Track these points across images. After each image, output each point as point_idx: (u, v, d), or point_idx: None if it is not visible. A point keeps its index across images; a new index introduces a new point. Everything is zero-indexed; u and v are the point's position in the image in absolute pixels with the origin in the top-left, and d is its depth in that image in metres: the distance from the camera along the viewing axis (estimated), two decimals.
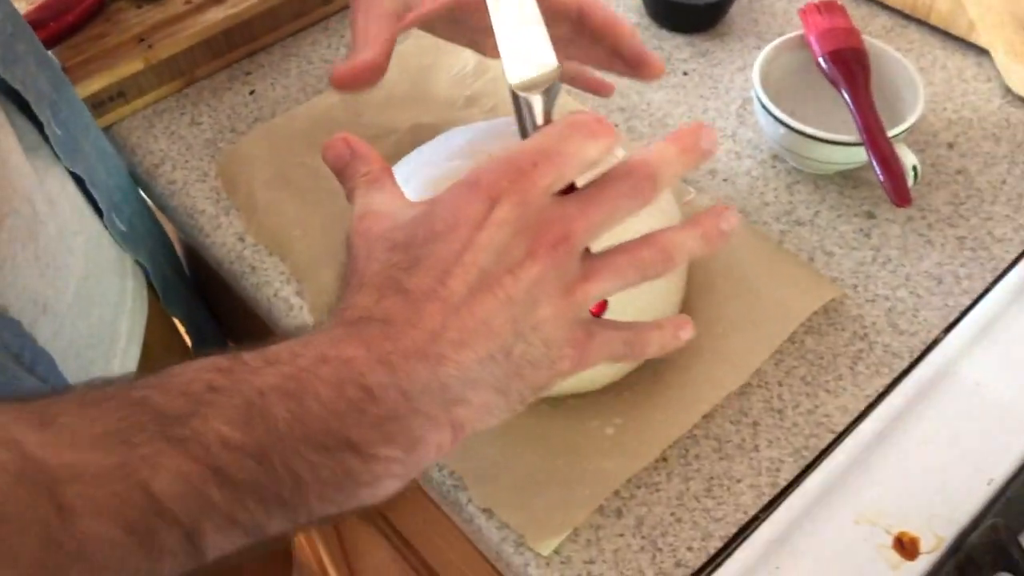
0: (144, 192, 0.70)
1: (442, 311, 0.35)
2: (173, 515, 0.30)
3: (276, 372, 0.33)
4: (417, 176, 0.58)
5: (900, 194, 0.59)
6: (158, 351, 0.66)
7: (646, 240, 0.40)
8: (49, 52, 0.68)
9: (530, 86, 0.39)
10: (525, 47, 0.40)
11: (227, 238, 0.64)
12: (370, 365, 0.34)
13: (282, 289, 0.61)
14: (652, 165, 0.39)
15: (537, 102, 0.39)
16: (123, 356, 0.61)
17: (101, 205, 0.60)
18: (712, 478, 0.52)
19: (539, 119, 0.40)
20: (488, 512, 0.50)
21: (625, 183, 0.38)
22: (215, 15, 0.73)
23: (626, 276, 0.39)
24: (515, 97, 0.40)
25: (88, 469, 0.30)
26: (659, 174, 0.39)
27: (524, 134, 0.40)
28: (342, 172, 0.42)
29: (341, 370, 0.33)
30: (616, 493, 0.51)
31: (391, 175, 0.42)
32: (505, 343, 0.36)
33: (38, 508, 0.29)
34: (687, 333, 0.44)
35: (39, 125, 0.55)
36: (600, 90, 0.63)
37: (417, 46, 0.75)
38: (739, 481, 0.51)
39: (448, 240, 0.36)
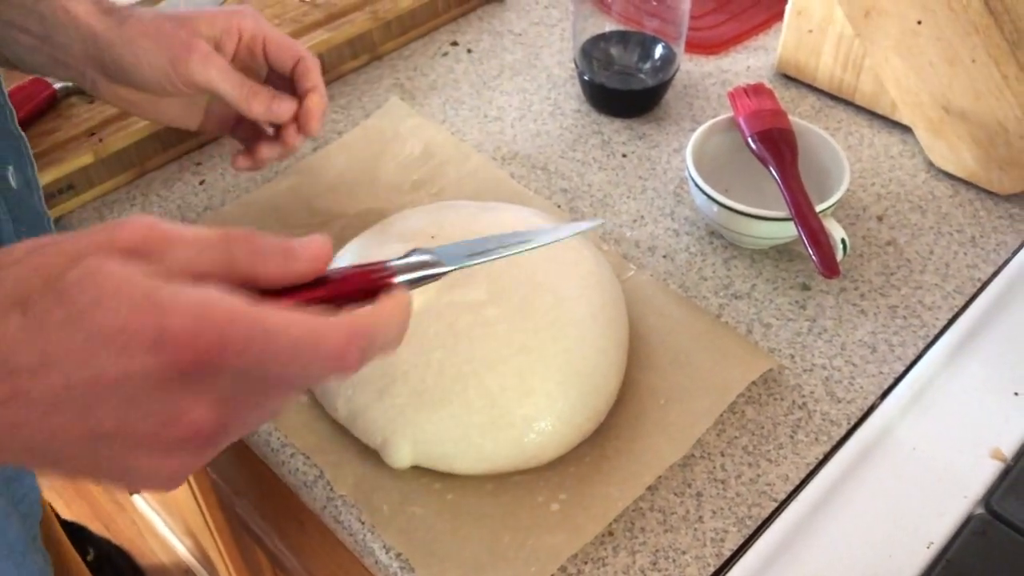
0: None
1: (10, 392, 0.31)
2: None
3: None
4: (363, 257, 0.60)
5: (828, 266, 0.61)
6: None
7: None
8: None
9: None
10: None
11: None
12: None
13: None
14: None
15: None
16: None
17: None
18: (658, 551, 0.52)
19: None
20: None
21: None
22: None
23: None
24: None
25: None
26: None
27: None
28: None
29: None
30: (563, 569, 0.51)
31: None
32: (64, 455, 0.33)
33: None
34: None
35: None
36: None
37: (365, 135, 0.77)
38: (684, 553, 0.52)
39: (86, 348, 0.30)
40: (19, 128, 0.58)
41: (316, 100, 0.62)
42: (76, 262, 0.31)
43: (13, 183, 0.57)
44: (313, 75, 0.62)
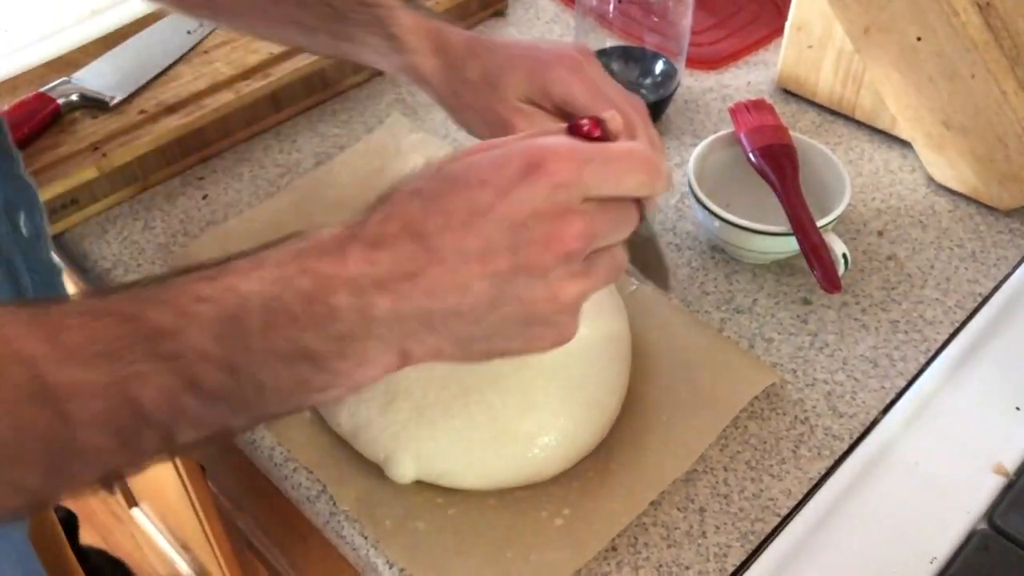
0: None
1: (426, 258, 0.38)
2: (155, 422, 0.36)
3: (260, 277, 0.37)
4: None
5: (830, 281, 0.61)
6: None
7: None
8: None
9: None
10: None
11: None
12: (341, 285, 0.37)
13: None
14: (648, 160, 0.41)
15: None
16: None
17: None
18: (661, 566, 0.52)
19: None
20: None
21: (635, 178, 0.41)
22: (168, 123, 0.75)
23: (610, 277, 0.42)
24: None
25: (87, 387, 0.35)
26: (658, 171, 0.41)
27: None
28: None
29: (315, 285, 0.37)
30: None
31: None
32: (477, 310, 0.38)
33: (45, 420, 0.34)
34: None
35: None
36: None
37: (366, 151, 0.78)
38: (688, 568, 0.52)
39: (472, 198, 0.38)
40: (29, 175, 0.60)
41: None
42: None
43: (24, 231, 0.58)
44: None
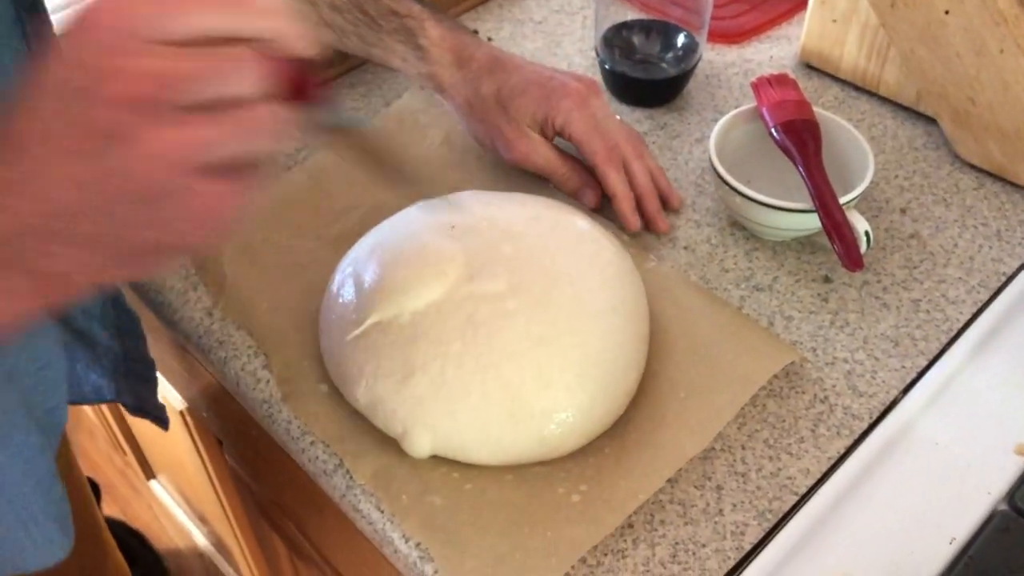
0: None
1: (20, 164, 0.34)
2: None
3: None
4: (382, 248, 0.59)
5: (852, 259, 0.60)
6: None
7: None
8: None
9: None
10: None
11: (195, 313, 0.64)
12: None
13: (249, 363, 0.61)
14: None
15: None
16: None
17: None
18: (678, 543, 0.52)
19: None
20: None
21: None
22: None
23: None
24: None
25: None
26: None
27: None
28: None
29: None
30: (583, 561, 0.51)
31: None
32: (91, 203, 0.34)
33: None
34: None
35: None
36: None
37: (384, 124, 0.77)
38: (704, 546, 0.52)
39: (46, 85, 0.34)
40: None
41: (619, 205, 0.67)
42: None
43: None
44: (608, 182, 0.67)
